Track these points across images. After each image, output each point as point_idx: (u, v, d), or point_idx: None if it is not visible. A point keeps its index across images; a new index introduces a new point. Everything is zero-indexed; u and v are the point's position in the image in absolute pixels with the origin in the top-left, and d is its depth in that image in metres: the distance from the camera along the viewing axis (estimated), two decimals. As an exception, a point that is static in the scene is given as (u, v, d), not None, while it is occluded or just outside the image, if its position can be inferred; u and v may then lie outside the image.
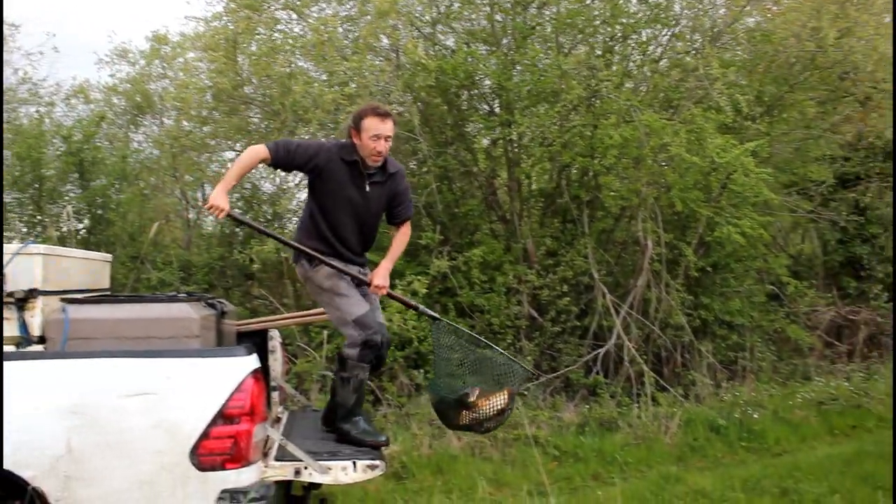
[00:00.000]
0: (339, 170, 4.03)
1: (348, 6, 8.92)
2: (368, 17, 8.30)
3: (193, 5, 27.16)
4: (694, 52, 9.06)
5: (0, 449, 3.21)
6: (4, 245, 3.84)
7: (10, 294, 3.75)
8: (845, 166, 11.36)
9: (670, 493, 5.72)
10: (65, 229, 9.01)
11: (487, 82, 9.08)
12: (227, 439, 3.40)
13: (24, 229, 9.27)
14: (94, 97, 10.99)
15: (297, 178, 10.30)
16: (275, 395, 5.09)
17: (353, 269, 4.17)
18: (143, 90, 10.57)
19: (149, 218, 9.99)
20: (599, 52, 9.03)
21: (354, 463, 3.80)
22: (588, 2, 8.93)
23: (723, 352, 9.58)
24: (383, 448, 4.10)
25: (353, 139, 4.06)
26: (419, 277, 7.89)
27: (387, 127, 4.00)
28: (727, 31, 9.36)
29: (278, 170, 4.95)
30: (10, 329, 3.77)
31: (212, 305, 4.31)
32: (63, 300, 3.94)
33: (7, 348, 3.68)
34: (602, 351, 8.50)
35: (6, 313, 3.75)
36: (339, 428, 4.18)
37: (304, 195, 10.05)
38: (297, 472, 3.73)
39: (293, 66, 8.77)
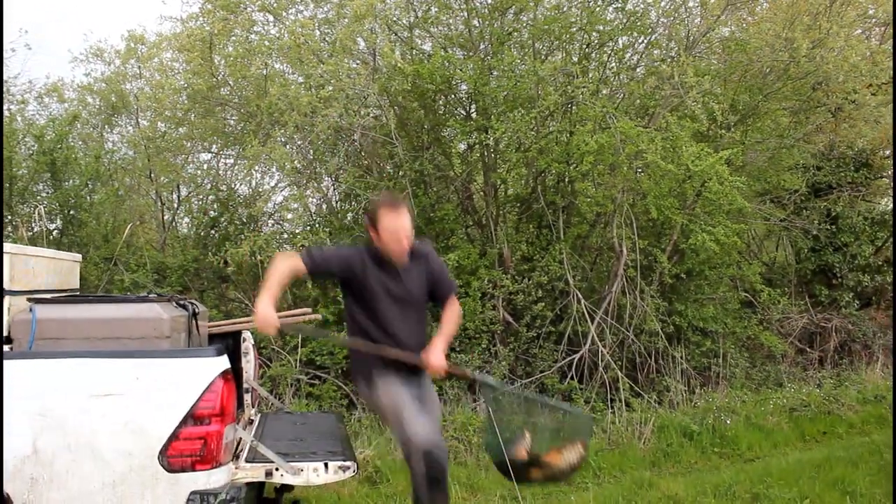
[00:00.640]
0: (375, 272, 3.88)
1: (325, 9, 8.93)
2: (345, 21, 8.27)
3: (170, 5, 27.01)
4: (670, 60, 9.13)
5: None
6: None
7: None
8: (817, 175, 11.50)
9: (643, 499, 5.74)
10: (36, 230, 8.90)
11: (464, 87, 9.10)
12: (196, 440, 3.37)
13: (-6, 230, 9.16)
14: (67, 96, 10.91)
15: (273, 181, 10.30)
16: (247, 397, 5.06)
17: (417, 358, 3.95)
18: (119, 90, 10.49)
19: (123, 219, 9.91)
20: (576, 59, 9.09)
21: (326, 464, 3.78)
22: (565, 9, 8.98)
23: (696, 358, 9.64)
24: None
25: (374, 238, 3.89)
26: (394, 281, 7.87)
27: (404, 220, 3.83)
28: (702, 40, 9.43)
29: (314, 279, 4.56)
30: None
31: (183, 306, 4.27)
32: (30, 300, 3.88)
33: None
34: (577, 356, 8.52)
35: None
36: None
37: (280, 198, 10.09)
38: (269, 474, 3.70)
39: (269, 68, 8.75)
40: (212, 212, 9.95)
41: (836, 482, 6.09)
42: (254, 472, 3.67)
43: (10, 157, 9.08)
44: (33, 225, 9.13)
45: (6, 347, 3.71)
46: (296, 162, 9.43)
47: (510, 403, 4.15)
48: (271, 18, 8.98)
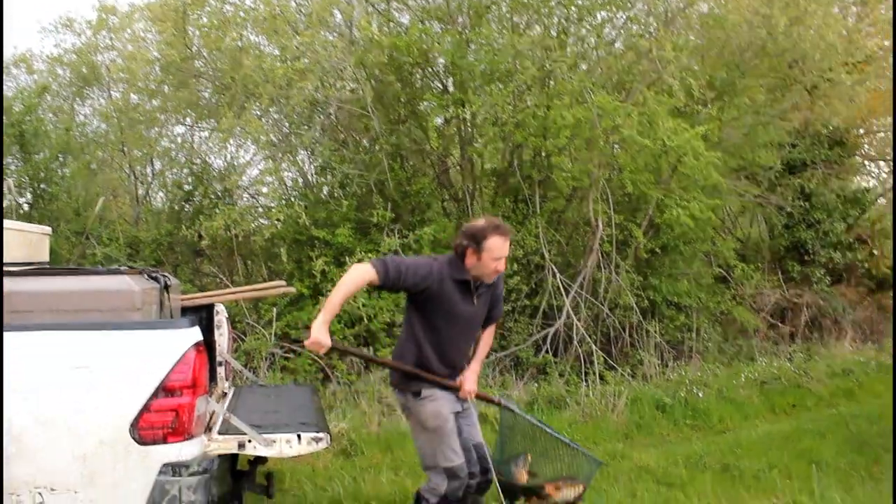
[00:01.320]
0: (451, 290, 3.84)
1: (301, -21, 8.80)
2: (322, -9, 8.18)
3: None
4: (648, 35, 9.11)
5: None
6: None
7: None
8: (792, 152, 11.58)
9: (616, 469, 5.79)
10: (6, 203, 8.77)
11: (441, 61, 9.04)
12: (168, 413, 3.34)
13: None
14: (37, 67, 10.68)
15: (248, 154, 10.19)
16: (221, 370, 5.03)
17: (452, 382, 4.02)
18: (90, 61, 10.27)
19: (95, 193, 9.78)
20: (554, 34, 9.03)
21: (299, 436, 3.75)
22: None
23: (670, 332, 9.73)
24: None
25: (469, 257, 3.82)
26: (369, 255, 7.87)
27: (508, 247, 3.84)
28: (681, 15, 9.43)
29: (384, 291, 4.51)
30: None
31: (154, 278, 4.22)
32: (-2, 272, 3.82)
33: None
34: (552, 330, 8.57)
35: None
36: None
37: (255, 172, 9.99)
38: (241, 446, 3.67)
39: (244, 39, 8.63)
40: (186, 185, 9.84)
41: (803, 453, 6.21)
42: (226, 444, 3.64)
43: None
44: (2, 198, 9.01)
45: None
46: (271, 135, 9.35)
47: (523, 428, 4.23)
48: (246, -11, 8.85)
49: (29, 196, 9.33)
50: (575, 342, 8.48)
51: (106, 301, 3.72)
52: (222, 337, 5.11)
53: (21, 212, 9.02)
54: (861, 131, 13.21)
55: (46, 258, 4.90)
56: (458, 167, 9.65)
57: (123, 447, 3.28)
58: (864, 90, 11.25)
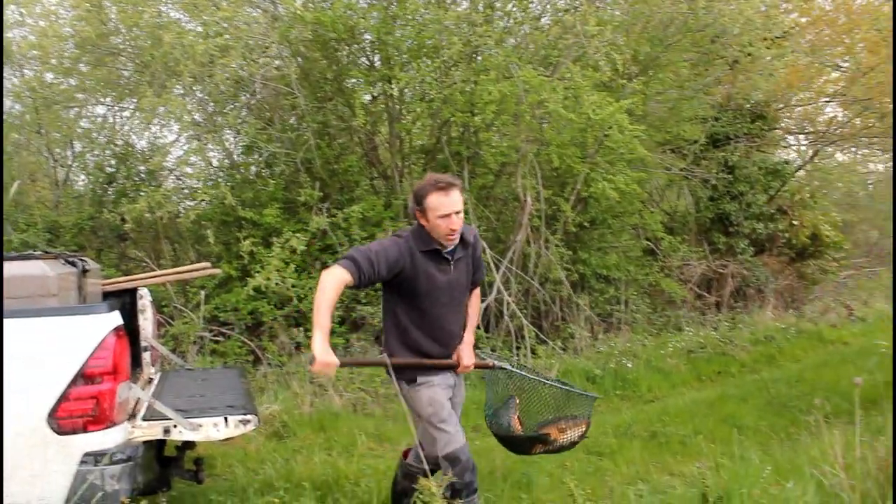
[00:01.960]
0: (424, 263, 3.60)
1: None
2: (243, -35, 7.99)
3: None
4: (574, 10, 9.15)
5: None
6: None
7: None
8: (715, 126, 11.83)
9: (546, 440, 5.87)
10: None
11: (368, 36, 8.93)
12: (88, 400, 3.25)
13: None
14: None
15: (173, 135, 9.94)
16: (146, 355, 4.93)
17: (450, 361, 3.78)
18: (-2, 38, 9.84)
19: (12, 177, 9.41)
20: (481, 8, 9.00)
21: (226, 418, 3.71)
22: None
23: (600, 305, 9.90)
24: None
25: (421, 221, 3.60)
26: (298, 234, 7.78)
27: (453, 200, 3.53)
28: (605, -11, 9.50)
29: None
30: None
31: (72, 263, 4.10)
32: None
33: None
34: (483, 305, 8.62)
35: None
36: None
37: (180, 153, 9.76)
38: (167, 431, 3.61)
39: (163, 15, 8.38)
40: (108, 168, 9.56)
41: (727, 418, 6.42)
42: (151, 431, 3.58)
43: None
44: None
45: None
46: (195, 114, 9.13)
47: (506, 377, 4.04)
48: (164, -38, 8.58)
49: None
50: (506, 317, 8.55)
51: (20, 287, 3.60)
52: (147, 321, 5.00)
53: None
54: (781, 106, 13.56)
55: (-45, 244, 4.71)
56: (386, 144, 9.59)
57: (41, 438, 3.19)
58: (783, 65, 11.55)
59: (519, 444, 4.04)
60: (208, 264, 5.74)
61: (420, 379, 3.68)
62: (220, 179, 9.29)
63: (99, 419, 3.29)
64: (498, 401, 4.09)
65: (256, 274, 7.64)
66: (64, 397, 3.21)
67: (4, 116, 9.98)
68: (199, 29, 8.23)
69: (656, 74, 10.30)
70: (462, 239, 3.71)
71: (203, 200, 8.68)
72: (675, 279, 11.15)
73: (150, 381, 4.77)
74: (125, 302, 4.81)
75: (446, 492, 3.48)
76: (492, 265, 8.66)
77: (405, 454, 4.08)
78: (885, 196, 15.12)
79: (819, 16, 13.13)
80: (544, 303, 9.27)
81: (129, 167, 9.33)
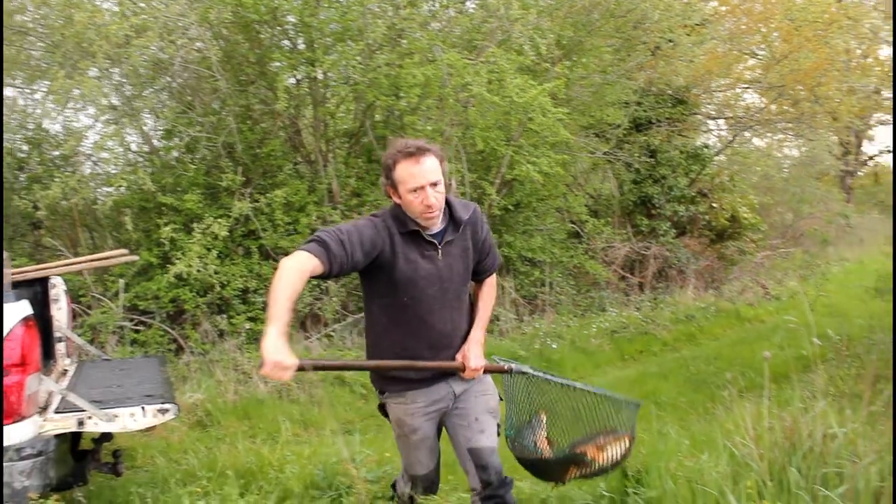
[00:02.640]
0: (404, 248, 2.97)
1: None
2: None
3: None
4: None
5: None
6: None
7: None
8: (638, 111, 12.04)
9: (471, 422, 5.92)
10: None
11: (291, 18, 8.78)
12: (-6, 394, 3.16)
13: None
14: None
15: (89, 119, 9.62)
16: (60, 346, 4.79)
17: (451, 364, 3.13)
18: None
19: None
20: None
21: (143, 408, 3.64)
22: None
23: (525, 287, 10.00)
24: None
25: (393, 198, 2.99)
26: (220, 220, 7.66)
27: (426, 169, 2.87)
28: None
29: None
30: None
31: (-26, 251, 3.94)
32: None
33: None
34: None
35: None
36: None
37: (97, 137, 9.44)
38: (81, 423, 3.52)
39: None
40: (19, 153, 9.19)
41: (648, 395, 6.58)
42: (64, 423, 3.49)
43: None
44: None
45: None
46: (112, 97, 8.86)
47: (527, 385, 3.28)
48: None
49: None
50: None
51: (-82, 278, 3.45)
52: (60, 311, 4.85)
53: None
54: (701, 91, 13.88)
55: None
56: (310, 128, 9.47)
57: (-56, 433, 3.09)
58: (702, 52, 11.85)
59: (549, 469, 3.32)
60: (125, 251, 5.58)
61: (390, 392, 3.18)
62: (138, 165, 9.05)
63: (7, 413, 3.20)
64: (521, 417, 3.34)
65: (177, 261, 7.48)
66: (-32, 391, 3.11)
67: None
68: (116, 8, 7.99)
69: (580, 59, 10.42)
70: (452, 217, 3.05)
71: (121, 186, 8.46)
72: (599, 261, 11.34)
73: (65, 372, 4.64)
74: (36, 291, 4.65)
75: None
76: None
77: (393, 486, 3.68)
78: (799, 180, 15.68)
79: (737, 4, 13.51)
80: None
81: (42, 152, 9.00)
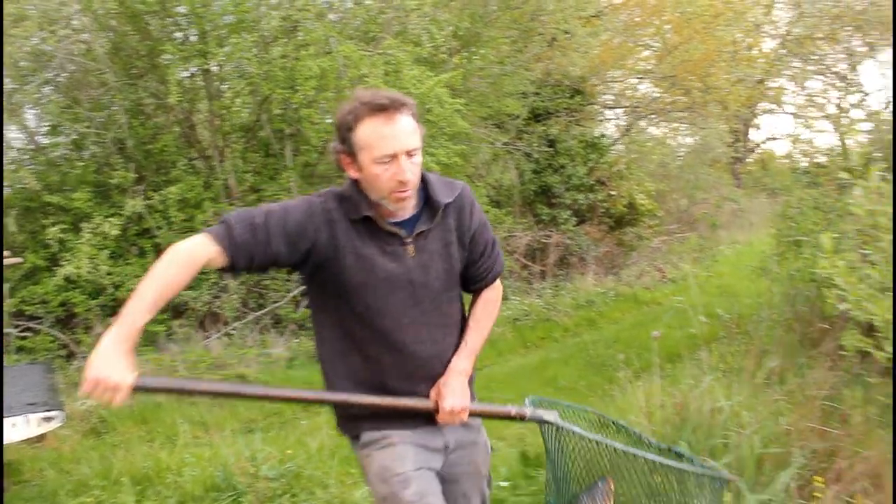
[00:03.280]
0: (351, 241, 2.14)
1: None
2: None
3: None
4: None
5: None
6: None
7: None
8: (536, 101, 12.21)
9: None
10: None
11: (182, 9, 8.53)
12: None
13: None
14: None
15: None
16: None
17: (418, 401, 2.24)
18: None
19: None
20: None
21: (27, 417, 3.49)
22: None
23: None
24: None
25: (349, 171, 2.14)
26: (111, 219, 7.40)
27: (400, 130, 2.04)
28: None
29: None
30: None
31: None
32: None
33: None
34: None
35: None
36: None
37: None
38: (-46, 438, 3.36)
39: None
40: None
41: (549, 380, 6.73)
42: (-62, 436, 3.32)
43: None
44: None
45: None
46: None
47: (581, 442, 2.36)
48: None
49: None
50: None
51: None
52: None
53: None
54: (597, 82, 14.19)
55: None
56: (205, 123, 9.24)
57: None
58: (598, 43, 12.12)
59: None
60: (9, 253, 5.34)
61: (367, 437, 2.26)
62: (22, 163, 8.65)
63: None
64: (574, 478, 2.44)
65: (66, 262, 7.19)
66: None
67: None
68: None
69: (478, 50, 10.49)
70: (429, 200, 2.20)
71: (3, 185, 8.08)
72: (501, 250, 11.45)
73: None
74: None
75: None
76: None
77: None
78: (692, 167, 16.22)
79: (631, -3, 13.88)
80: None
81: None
